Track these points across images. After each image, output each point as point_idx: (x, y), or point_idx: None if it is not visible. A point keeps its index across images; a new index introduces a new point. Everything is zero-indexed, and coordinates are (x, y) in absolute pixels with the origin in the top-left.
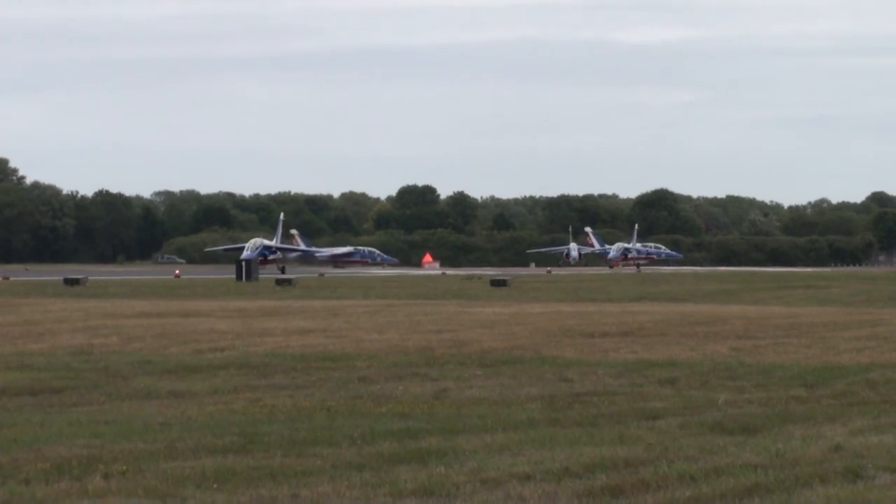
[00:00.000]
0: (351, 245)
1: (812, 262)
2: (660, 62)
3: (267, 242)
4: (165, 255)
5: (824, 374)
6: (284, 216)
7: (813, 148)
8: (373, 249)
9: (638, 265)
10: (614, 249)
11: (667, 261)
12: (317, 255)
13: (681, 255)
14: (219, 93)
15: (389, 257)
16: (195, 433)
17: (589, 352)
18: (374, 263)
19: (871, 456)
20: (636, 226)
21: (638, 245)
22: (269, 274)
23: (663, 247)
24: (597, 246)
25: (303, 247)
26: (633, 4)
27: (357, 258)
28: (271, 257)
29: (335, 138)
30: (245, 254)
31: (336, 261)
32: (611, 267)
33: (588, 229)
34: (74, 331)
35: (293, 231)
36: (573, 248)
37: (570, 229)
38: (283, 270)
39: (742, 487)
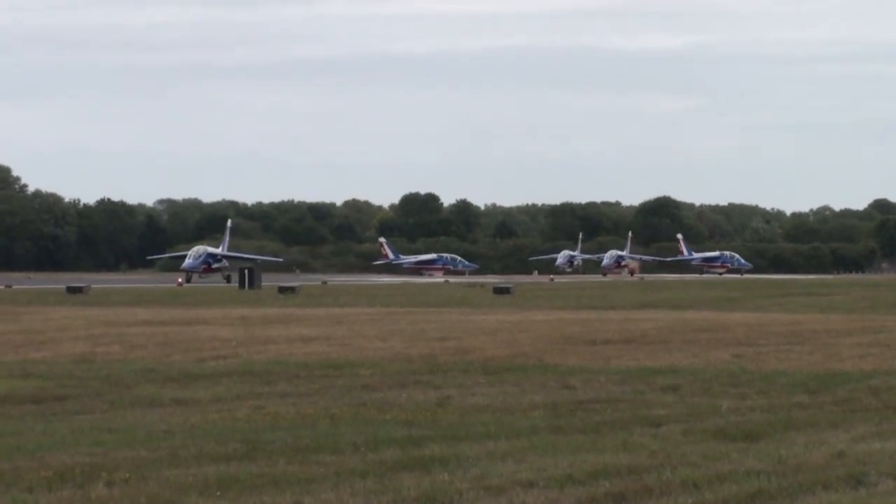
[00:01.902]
0: (435, 252)
1: (814, 270)
2: (661, 69)
3: (211, 250)
4: None
5: (827, 380)
6: (232, 223)
7: (815, 155)
8: (454, 256)
9: (631, 272)
10: (607, 257)
11: (739, 269)
12: (403, 263)
13: (751, 265)
14: (221, 100)
15: (470, 263)
16: (198, 441)
17: (592, 359)
18: (455, 270)
19: (874, 462)
20: (630, 233)
21: (689, 252)
22: (270, 282)
23: (737, 255)
24: (685, 253)
25: (391, 254)
26: (633, 11)
27: (440, 265)
28: (216, 265)
29: (338, 146)
30: (187, 262)
31: (419, 268)
32: (604, 275)
33: (679, 236)
34: (77, 339)
35: (381, 239)
36: (561, 256)
37: (580, 236)
38: (228, 279)
39: (745, 494)
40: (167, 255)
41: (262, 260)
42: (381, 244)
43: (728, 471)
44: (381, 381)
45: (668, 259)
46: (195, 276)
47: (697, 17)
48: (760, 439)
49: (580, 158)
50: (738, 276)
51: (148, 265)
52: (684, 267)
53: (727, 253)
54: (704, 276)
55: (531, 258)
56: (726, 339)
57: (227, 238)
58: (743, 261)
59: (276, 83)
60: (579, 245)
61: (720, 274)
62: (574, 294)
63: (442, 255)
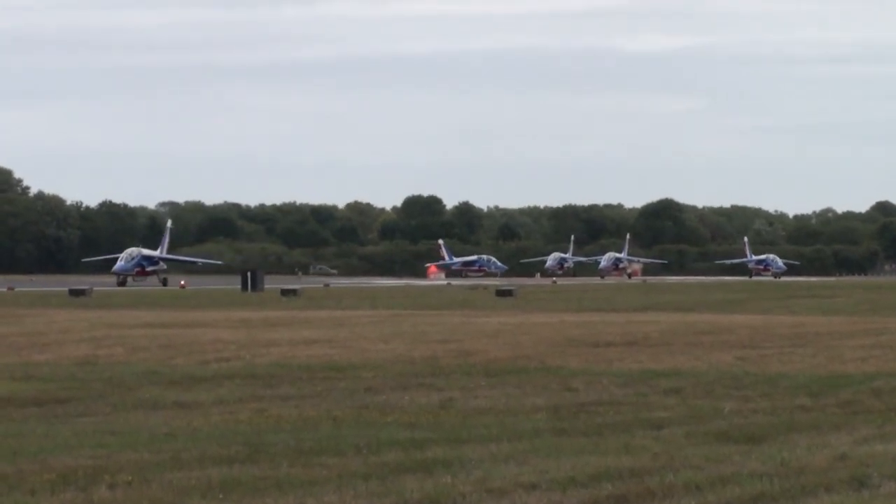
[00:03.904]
0: (476, 254)
1: (817, 272)
2: (663, 70)
3: (147, 252)
4: (318, 266)
5: (829, 383)
6: (173, 224)
7: (818, 157)
8: (490, 258)
9: (630, 275)
10: (605, 259)
11: (776, 273)
12: (452, 265)
13: (785, 268)
14: (223, 102)
15: (501, 265)
16: (201, 443)
17: (594, 362)
18: (489, 272)
19: (877, 465)
20: (628, 236)
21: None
22: (275, 285)
23: (778, 258)
24: (748, 256)
25: (447, 257)
26: (634, 12)
27: (476, 266)
28: (151, 268)
29: (340, 148)
30: (118, 265)
31: (462, 270)
32: (602, 277)
33: (745, 239)
34: (79, 341)
35: (440, 241)
36: (551, 259)
37: (572, 238)
38: (164, 282)
39: (748, 496)
40: (102, 257)
41: (203, 263)
42: (440, 246)
43: (730, 473)
44: (384, 383)
45: (729, 262)
46: (129, 280)
47: (699, 18)
48: (763, 441)
49: (582, 160)
50: (774, 278)
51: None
52: (739, 270)
53: (770, 256)
54: (718, 278)
55: (521, 261)
56: (729, 342)
57: (166, 240)
58: (780, 263)
59: (278, 85)
60: (571, 247)
61: (775, 277)
62: (576, 296)
63: (480, 256)
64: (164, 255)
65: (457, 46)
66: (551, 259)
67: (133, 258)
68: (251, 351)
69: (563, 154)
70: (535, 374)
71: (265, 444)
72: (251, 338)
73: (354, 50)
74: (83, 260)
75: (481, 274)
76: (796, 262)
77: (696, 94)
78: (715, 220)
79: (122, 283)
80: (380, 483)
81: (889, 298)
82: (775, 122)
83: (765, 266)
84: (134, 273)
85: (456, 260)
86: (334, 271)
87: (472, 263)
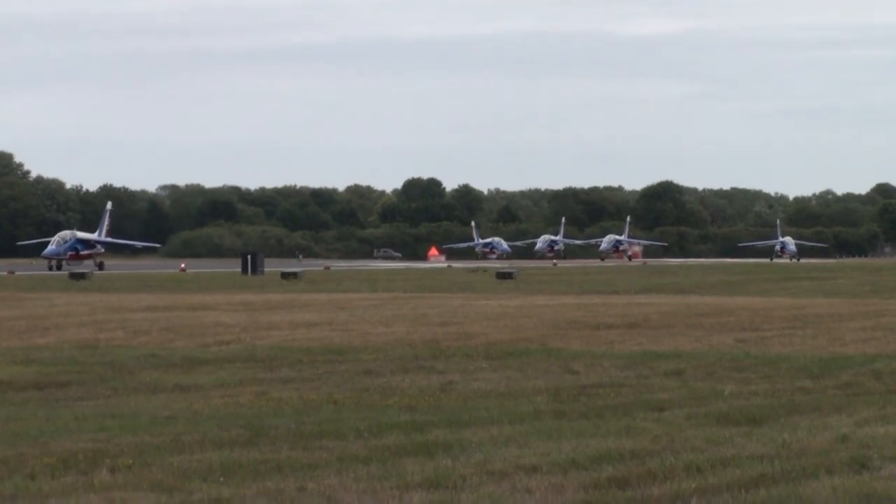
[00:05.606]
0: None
1: (817, 254)
2: (664, 54)
3: (81, 235)
4: (383, 249)
5: (830, 365)
6: (112, 206)
7: (818, 140)
8: (500, 240)
9: (630, 257)
10: (605, 241)
11: (791, 255)
12: (476, 246)
13: (795, 251)
14: (223, 86)
15: (506, 248)
16: (201, 426)
17: (595, 344)
18: (499, 256)
19: (877, 446)
20: (628, 218)
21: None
22: (275, 268)
23: (792, 241)
24: (778, 238)
25: (476, 238)
26: None
27: (489, 248)
28: (86, 252)
29: (341, 131)
30: (48, 249)
31: (482, 251)
32: (602, 259)
33: (778, 221)
34: (80, 325)
35: (472, 223)
36: (541, 241)
37: (563, 221)
38: (100, 266)
39: (748, 478)
40: (36, 240)
41: (143, 246)
42: (473, 227)
43: (731, 455)
44: (384, 366)
45: (760, 244)
46: (64, 264)
47: (699, 3)
48: (764, 423)
49: (583, 144)
50: (791, 260)
51: (151, 251)
52: (750, 252)
53: (787, 238)
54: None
55: (516, 242)
56: (730, 324)
57: (105, 222)
58: (793, 246)
59: (279, 69)
60: (562, 229)
61: (798, 260)
62: (577, 279)
63: (493, 238)
64: (102, 238)
65: (458, 30)
66: (541, 241)
67: (66, 241)
68: (252, 334)
69: (563, 138)
70: (535, 356)
71: (266, 427)
72: (252, 321)
73: (354, 34)
74: (18, 243)
75: (494, 256)
76: (824, 245)
77: (697, 78)
78: (715, 202)
79: (57, 267)
80: (380, 466)
81: (889, 280)
82: (776, 105)
83: (782, 249)
84: (66, 257)
85: (479, 241)
86: (398, 254)
87: (487, 245)
